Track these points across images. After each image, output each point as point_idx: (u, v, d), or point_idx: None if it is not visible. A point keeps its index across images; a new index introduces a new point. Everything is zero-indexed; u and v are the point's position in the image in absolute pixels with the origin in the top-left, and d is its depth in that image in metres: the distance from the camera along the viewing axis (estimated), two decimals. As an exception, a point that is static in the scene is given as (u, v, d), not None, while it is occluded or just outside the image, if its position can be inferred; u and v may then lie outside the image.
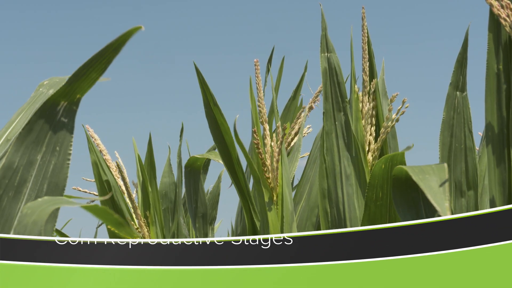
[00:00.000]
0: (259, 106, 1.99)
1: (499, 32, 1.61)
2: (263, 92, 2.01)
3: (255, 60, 2.03)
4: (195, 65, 1.93)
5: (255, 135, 1.95)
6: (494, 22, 1.61)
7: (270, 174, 1.93)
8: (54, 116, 1.23)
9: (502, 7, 1.56)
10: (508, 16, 1.55)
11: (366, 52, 1.91)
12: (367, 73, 1.91)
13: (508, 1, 1.56)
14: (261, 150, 1.93)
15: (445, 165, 1.51)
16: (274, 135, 1.95)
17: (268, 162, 1.94)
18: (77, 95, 1.23)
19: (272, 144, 1.95)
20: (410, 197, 1.57)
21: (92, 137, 2.65)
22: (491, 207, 1.61)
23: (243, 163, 2.04)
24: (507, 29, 1.56)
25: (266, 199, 1.95)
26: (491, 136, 1.59)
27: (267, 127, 1.98)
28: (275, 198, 1.95)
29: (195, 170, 2.58)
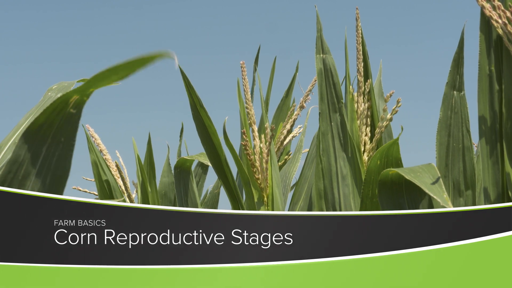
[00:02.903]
0: (246, 107, 2.00)
1: (490, 33, 1.62)
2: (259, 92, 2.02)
3: (241, 62, 2.04)
4: (180, 68, 1.92)
5: (244, 136, 1.96)
6: (485, 23, 1.62)
7: (259, 175, 1.94)
8: (64, 109, 1.23)
9: (494, 8, 1.57)
10: (499, 17, 1.56)
11: (361, 52, 1.91)
12: (362, 73, 1.91)
13: (499, 2, 1.57)
14: (249, 151, 1.94)
15: (432, 164, 1.53)
16: (263, 136, 1.96)
17: (257, 163, 1.95)
18: (90, 89, 1.23)
19: (261, 145, 1.96)
20: (397, 202, 1.59)
21: (92, 137, 2.66)
22: (485, 196, 1.63)
23: (232, 164, 2.05)
24: (499, 30, 1.57)
25: (256, 200, 1.96)
26: (484, 129, 1.61)
27: (255, 128, 1.99)
28: (265, 199, 1.96)
29: (185, 171, 2.57)
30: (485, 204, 1.63)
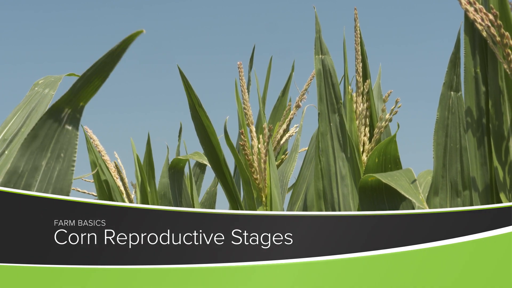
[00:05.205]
0: (244, 108, 2.01)
1: (475, 35, 1.63)
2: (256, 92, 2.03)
3: (238, 62, 2.04)
4: (179, 68, 1.92)
5: (242, 136, 1.97)
6: (469, 25, 1.63)
7: (258, 175, 1.95)
8: (59, 123, 1.23)
9: (476, 11, 1.58)
10: (483, 20, 1.57)
11: (359, 53, 1.92)
12: (361, 73, 1.92)
13: (481, 6, 1.58)
14: (248, 152, 1.94)
15: (410, 168, 1.55)
16: (261, 136, 1.97)
17: (255, 164, 1.95)
18: (80, 103, 1.23)
19: (259, 145, 1.96)
20: (378, 208, 1.61)
21: (91, 138, 2.66)
22: (473, 186, 1.64)
23: (230, 164, 2.05)
24: (483, 33, 1.58)
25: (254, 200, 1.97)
26: (470, 123, 1.62)
27: (253, 128, 2.00)
28: (263, 199, 1.96)
29: (179, 171, 2.56)
30: (473, 194, 1.65)
